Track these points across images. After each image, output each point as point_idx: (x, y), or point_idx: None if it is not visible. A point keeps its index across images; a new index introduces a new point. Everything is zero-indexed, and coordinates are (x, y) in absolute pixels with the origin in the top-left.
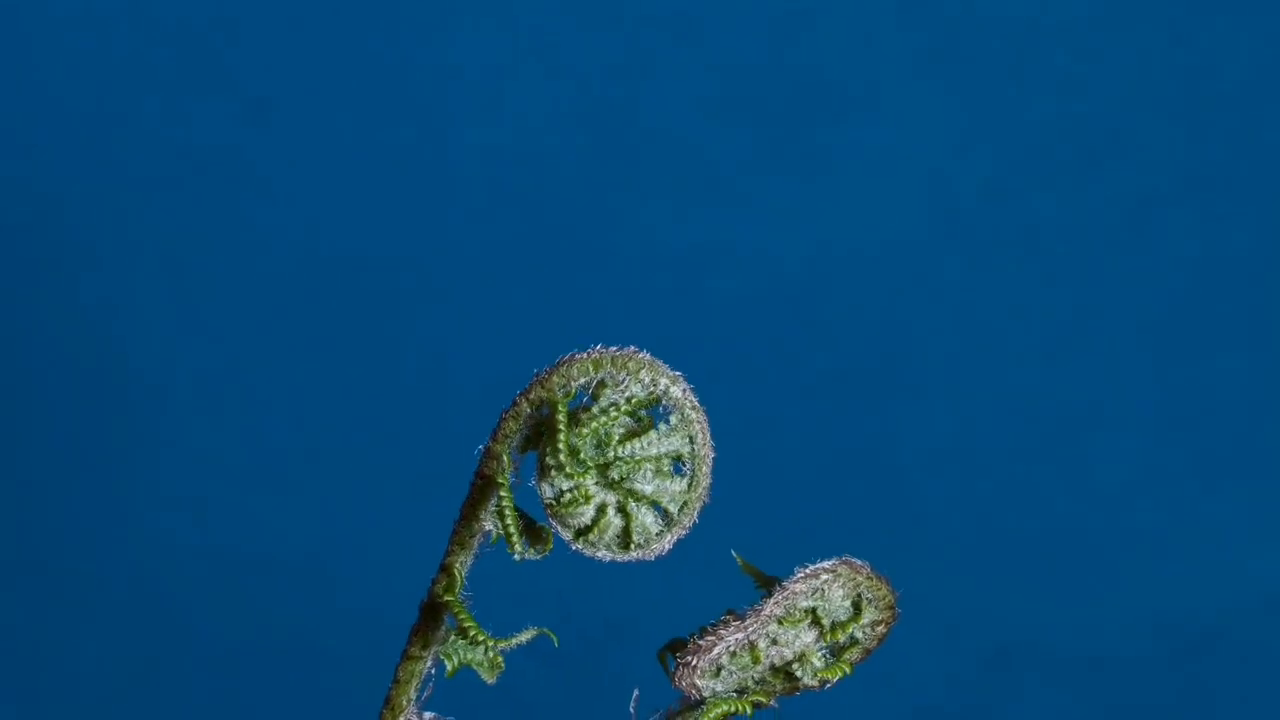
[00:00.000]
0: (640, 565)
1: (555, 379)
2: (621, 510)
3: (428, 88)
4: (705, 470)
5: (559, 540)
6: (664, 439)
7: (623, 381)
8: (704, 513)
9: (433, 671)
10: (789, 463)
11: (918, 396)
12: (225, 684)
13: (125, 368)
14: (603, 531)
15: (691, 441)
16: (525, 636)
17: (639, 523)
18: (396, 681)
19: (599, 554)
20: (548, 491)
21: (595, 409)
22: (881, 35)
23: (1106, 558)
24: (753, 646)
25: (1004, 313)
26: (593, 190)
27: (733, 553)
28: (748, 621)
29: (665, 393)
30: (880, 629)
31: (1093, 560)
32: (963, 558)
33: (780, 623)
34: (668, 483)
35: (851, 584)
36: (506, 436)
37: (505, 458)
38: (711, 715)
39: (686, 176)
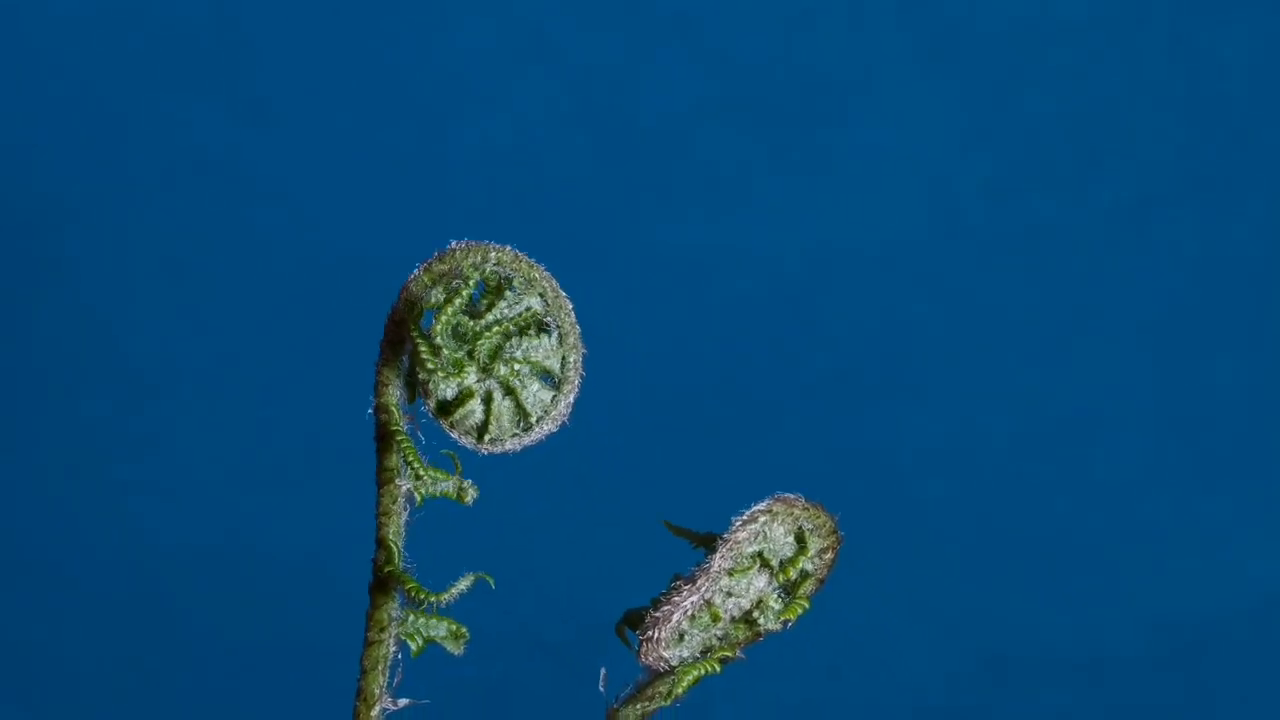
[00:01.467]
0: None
1: (401, 307)
2: (507, 388)
3: (427, 88)
4: (568, 319)
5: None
6: (514, 303)
7: (457, 274)
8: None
9: (399, 657)
10: (789, 462)
11: (918, 396)
12: (225, 683)
13: (125, 368)
14: (499, 419)
15: (543, 297)
16: (464, 584)
17: (528, 393)
18: (364, 671)
19: (508, 446)
20: (436, 406)
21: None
22: (882, 35)
23: (1106, 558)
24: (709, 604)
25: (1004, 313)
26: (592, 190)
27: (663, 521)
28: (699, 581)
29: (497, 263)
30: (828, 556)
31: (1093, 560)
32: (963, 558)
33: (731, 574)
34: (537, 341)
35: (790, 518)
36: (385, 385)
37: (394, 409)
38: (685, 684)
39: (687, 176)
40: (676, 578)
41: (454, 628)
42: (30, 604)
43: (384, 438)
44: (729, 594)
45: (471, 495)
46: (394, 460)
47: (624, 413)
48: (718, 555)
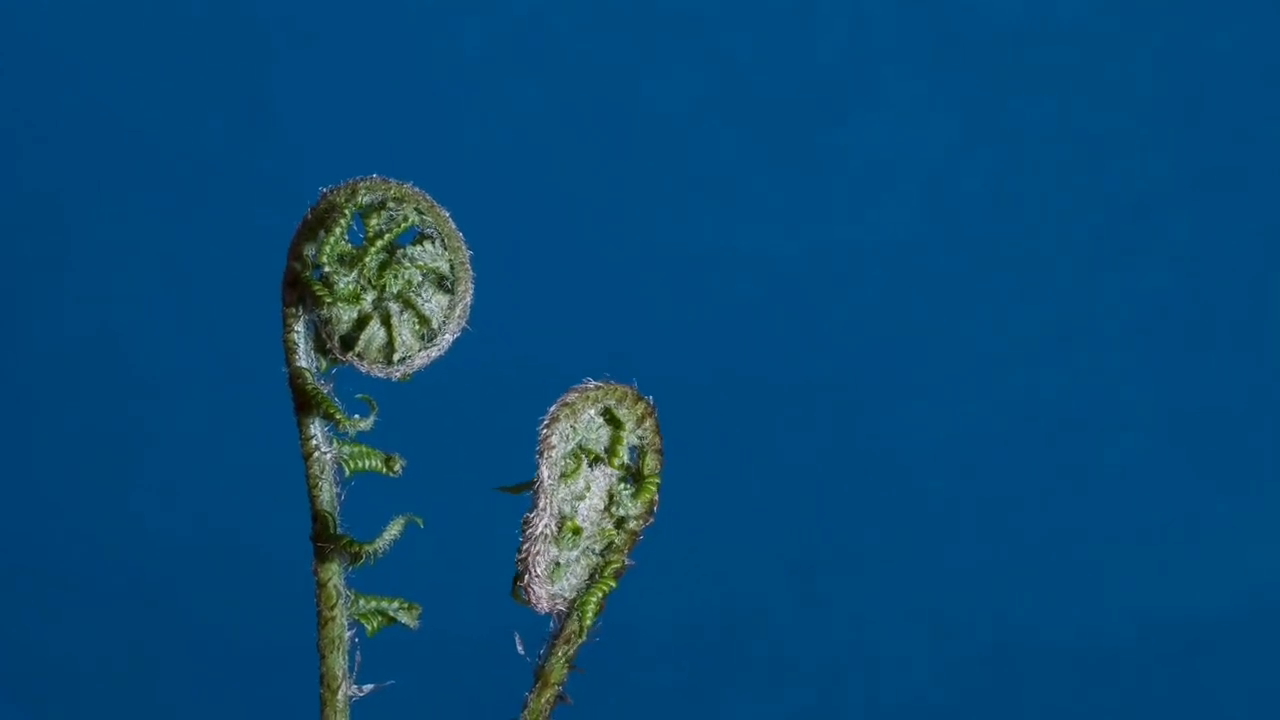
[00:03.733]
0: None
1: (293, 267)
2: (403, 302)
3: (426, 88)
4: (448, 225)
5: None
6: (390, 222)
7: (334, 214)
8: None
9: (357, 640)
10: (790, 462)
11: (919, 396)
12: (225, 681)
13: (125, 367)
14: (400, 332)
15: (418, 211)
16: (395, 530)
17: (424, 302)
18: (322, 655)
19: (419, 363)
20: (340, 343)
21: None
22: (881, 36)
23: (1107, 556)
24: (564, 519)
25: (1004, 313)
26: (592, 190)
27: (495, 489)
28: (539, 501)
29: (366, 191)
30: (648, 422)
31: (1093, 559)
32: (963, 556)
33: (564, 479)
34: (420, 249)
35: (589, 402)
36: (293, 351)
37: (307, 373)
38: (591, 612)
39: (686, 176)
40: (524, 518)
41: (405, 602)
42: (30, 603)
43: (303, 405)
44: (576, 499)
45: (399, 465)
46: (313, 429)
47: None
48: (542, 468)
